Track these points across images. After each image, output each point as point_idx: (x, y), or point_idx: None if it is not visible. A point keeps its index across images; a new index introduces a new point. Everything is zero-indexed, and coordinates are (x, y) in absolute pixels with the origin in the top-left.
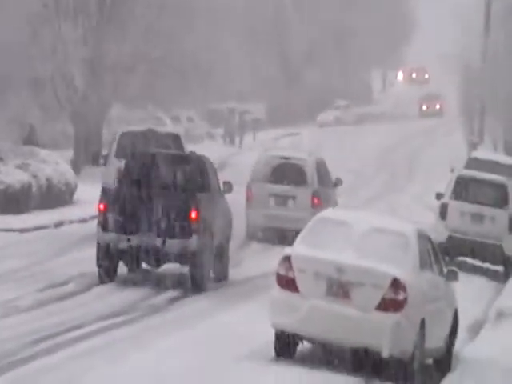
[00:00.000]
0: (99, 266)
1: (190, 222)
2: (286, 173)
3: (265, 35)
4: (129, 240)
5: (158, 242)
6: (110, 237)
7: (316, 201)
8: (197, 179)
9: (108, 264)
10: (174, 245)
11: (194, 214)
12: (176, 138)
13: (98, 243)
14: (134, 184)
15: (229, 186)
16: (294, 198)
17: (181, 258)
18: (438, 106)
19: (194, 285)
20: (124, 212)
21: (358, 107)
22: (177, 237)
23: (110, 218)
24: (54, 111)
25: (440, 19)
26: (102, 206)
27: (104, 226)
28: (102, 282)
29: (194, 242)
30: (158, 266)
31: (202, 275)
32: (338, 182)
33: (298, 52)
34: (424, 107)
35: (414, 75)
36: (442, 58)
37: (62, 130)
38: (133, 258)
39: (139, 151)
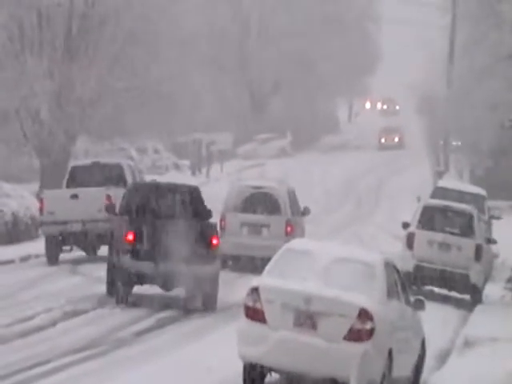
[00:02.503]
0: (121, 290)
1: (212, 249)
2: (259, 202)
3: (230, 65)
4: (156, 267)
5: (183, 267)
6: (139, 264)
7: (290, 229)
8: (198, 207)
9: (127, 288)
10: (197, 270)
11: (215, 241)
12: (120, 169)
13: (120, 269)
14: (150, 213)
15: (211, 213)
16: (267, 226)
17: (201, 282)
18: (396, 139)
19: (208, 306)
20: (150, 241)
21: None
22: (200, 263)
23: (138, 247)
24: (19, 145)
25: (404, 48)
26: (130, 237)
27: (133, 255)
28: (117, 302)
29: (215, 267)
30: (171, 289)
31: (216, 298)
32: (306, 211)
33: (264, 82)
34: (382, 140)
35: (384, 107)
36: (408, 88)
37: (27, 163)
38: (158, 282)
39: (143, 182)
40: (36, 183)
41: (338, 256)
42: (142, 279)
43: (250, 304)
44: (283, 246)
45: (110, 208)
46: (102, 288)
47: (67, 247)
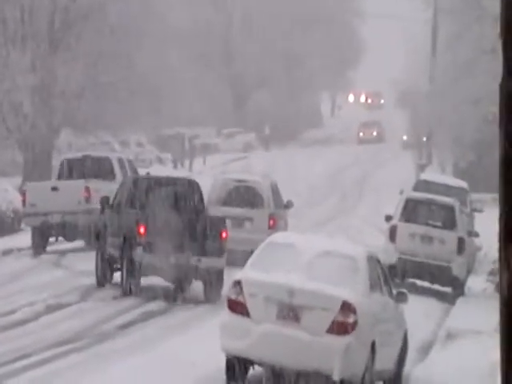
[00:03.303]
0: (130, 282)
1: (222, 242)
2: (242, 195)
3: (214, 59)
4: (167, 259)
5: (194, 260)
6: (151, 257)
7: (272, 222)
8: (201, 201)
9: (137, 280)
10: (208, 263)
11: (224, 234)
12: (109, 162)
13: (134, 262)
14: (159, 206)
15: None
16: (250, 219)
17: (210, 274)
18: (374, 133)
19: (212, 299)
20: (161, 234)
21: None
22: (210, 255)
23: (150, 240)
24: (2, 138)
25: (388, 43)
26: (142, 230)
27: (145, 248)
28: (125, 294)
29: (224, 260)
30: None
31: (221, 290)
32: (289, 204)
33: (248, 76)
34: (361, 134)
35: (369, 100)
36: (391, 82)
37: (10, 157)
38: (168, 275)
39: (144, 176)
40: (19, 177)
41: (321, 249)
42: (153, 271)
43: (233, 297)
44: (266, 240)
45: (103, 200)
46: (86, 281)
47: (53, 238)
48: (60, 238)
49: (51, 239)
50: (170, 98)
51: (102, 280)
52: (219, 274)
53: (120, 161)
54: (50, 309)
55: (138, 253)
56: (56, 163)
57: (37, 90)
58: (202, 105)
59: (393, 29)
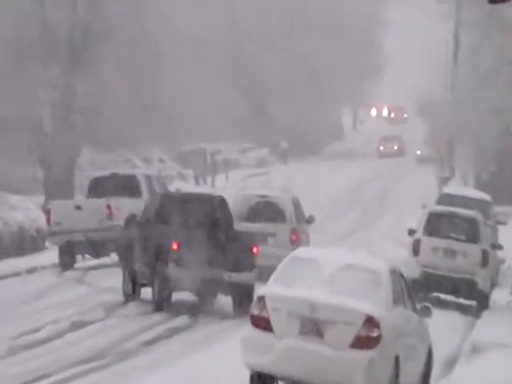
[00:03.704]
0: (162, 297)
1: (253, 257)
2: (264, 211)
3: (233, 73)
4: (200, 274)
5: (226, 275)
6: (183, 272)
7: (294, 237)
8: (229, 217)
9: (169, 296)
10: (239, 278)
11: (255, 250)
12: (135, 180)
13: (166, 277)
14: (190, 222)
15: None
16: (273, 235)
17: (240, 289)
18: (395, 147)
19: (242, 312)
20: (193, 250)
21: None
22: (242, 271)
23: (182, 256)
24: (23, 156)
25: (409, 54)
26: (175, 246)
27: (178, 263)
28: (159, 309)
29: (254, 275)
30: (210, 298)
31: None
32: (311, 219)
33: (268, 90)
34: (381, 148)
35: (392, 115)
36: (412, 94)
37: (31, 174)
38: (203, 290)
39: (174, 192)
40: (40, 195)
41: (344, 263)
42: (184, 287)
43: (257, 312)
44: (289, 254)
45: (130, 217)
46: (110, 298)
47: (79, 255)
48: (86, 255)
49: (78, 256)
50: (189, 113)
51: (130, 296)
52: (249, 289)
53: (147, 178)
54: (74, 326)
55: (171, 268)
56: (77, 181)
57: (57, 106)
58: (222, 120)
59: (414, 40)
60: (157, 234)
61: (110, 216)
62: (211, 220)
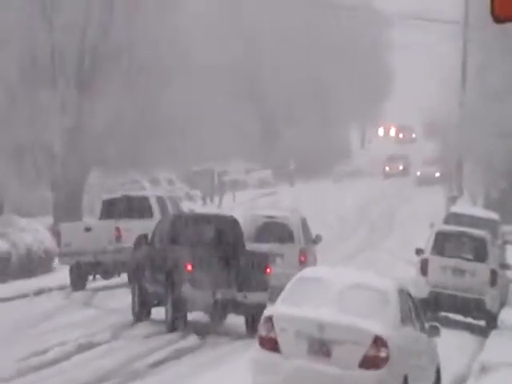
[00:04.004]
0: (176, 318)
1: (266, 277)
2: (272, 231)
3: (242, 93)
4: (214, 295)
5: (240, 295)
6: (198, 293)
7: (303, 258)
8: (241, 237)
9: (183, 316)
10: (254, 298)
11: (269, 270)
12: (147, 201)
13: (180, 298)
14: (204, 244)
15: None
16: (281, 255)
17: (254, 309)
18: (400, 167)
19: (254, 332)
20: (208, 270)
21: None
22: (256, 290)
23: (197, 276)
24: (32, 178)
25: (417, 74)
26: (189, 267)
27: (192, 284)
28: (173, 330)
29: (267, 294)
30: (224, 318)
31: None
32: (317, 239)
33: (276, 110)
34: (387, 168)
35: (400, 135)
36: (420, 114)
37: (40, 196)
38: (217, 311)
39: (187, 213)
40: (49, 216)
41: (351, 282)
42: (198, 307)
43: (264, 333)
44: (297, 274)
45: (140, 238)
46: (117, 319)
47: (91, 276)
48: (97, 276)
49: (89, 277)
50: (198, 134)
51: (140, 316)
52: (263, 309)
53: (159, 199)
54: (82, 348)
55: (186, 289)
56: (86, 203)
57: (67, 130)
58: (230, 140)
59: (421, 60)
60: (170, 255)
61: (118, 238)
62: (224, 240)
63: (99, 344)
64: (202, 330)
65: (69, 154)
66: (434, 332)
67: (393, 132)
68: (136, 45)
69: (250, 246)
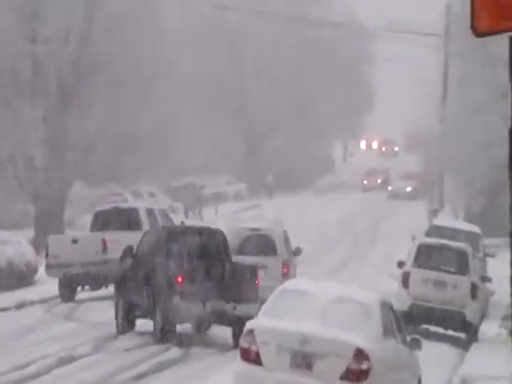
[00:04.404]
0: (166, 330)
1: (256, 289)
2: (256, 243)
3: (226, 107)
4: (204, 307)
5: (229, 307)
6: (188, 305)
7: (286, 270)
8: (227, 249)
9: (173, 328)
10: (243, 309)
11: (257, 282)
12: (136, 213)
13: (170, 310)
14: (192, 256)
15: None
16: (265, 267)
17: (242, 321)
18: (379, 181)
19: None
20: (197, 283)
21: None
22: (246, 302)
23: (187, 289)
24: (14, 191)
25: (399, 87)
26: (179, 279)
27: (183, 297)
28: (162, 342)
29: (257, 306)
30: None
31: None
32: (297, 251)
33: (260, 123)
34: (365, 182)
35: (383, 148)
36: (403, 128)
37: (22, 209)
38: (206, 322)
39: (175, 226)
40: (30, 229)
41: (334, 296)
42: (187, 319)
43: (246, 346)
44: (279, 287)
45: (127, 249)
46: (99, 332)
47: (79, 287)
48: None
49: (78, 288)
50: (181, 147)
51: (124, 328)
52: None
53: (149, 211)
54: (63, 361)
55: (176, 301)
56: (68, 215)
57: (48, 142)
58: (213, 152)
59: (404, 73)
60: (159, 267)
61: (104, 249)
62: (212, 253)
63: (81, 357)
64: (185, 342)
65: (50, 167)
66: (415, 345)
67: (375, 145)
68: (117, 57)
69: (234, 258)
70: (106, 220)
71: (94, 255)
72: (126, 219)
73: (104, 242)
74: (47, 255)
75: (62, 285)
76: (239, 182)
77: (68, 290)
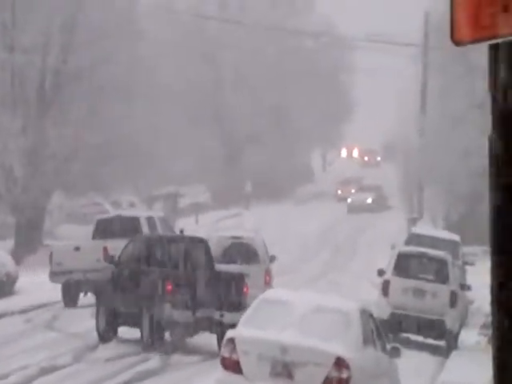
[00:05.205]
0: (154, 338)
1: (243, 297)
2: (238, 252)
3: (205, 117)
4: (194, 314)
5: (217, 315)
6: (178, 313)
7: (268, 278)
8: (211, 257)
9: (162, 336)
10: (231, 317)
11: (245, 289)
12: (137, 221)
13: (159, 318)
14: (179, 264)
15: None
16: (247, 276)
17: (229, 328)
18: (352, 191)
19: None
20: (187, 291)
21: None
22: (233, 310)
23: (177, 297)
24: None
25: (379, 97)
26: (169, 287)
27: (173, 304)
28: (149, 350)
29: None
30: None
31: None
32: (272, 259)
33: (239, 133)
34: (339, 192)
35: (365, 158)
36: (384, 138)
37: (2, 220)
38: (194, 329)
39: (160, 234)
40: (10, 239)
41: (314, 305)
42: (176, 327)
43: (227, 355)
44: (259, 296)
45: (107, 258)
46: (81, 342)
47: (82, 292)
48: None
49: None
50: (161, 156)
51: (106, 337)
52: None
53: (149, 220)
54: (44, 371)
55: (166, 309)
56: (47, 225)
57: (27, 152)
58: (193, 162)
59: (383, 83)
60: (145, 275)
61: (106, 257)
62: (198, 261)
63: (62, 367)
64: (167, 350)
65: (29, 177)
66: (395, 353)
67: (356, 153)
68: (98, 67)
69: (217, 267)
70: (108, 228)
71: (95, 262)
72: (127, 227)
73: (105, 249)
74: (51, 263)
75: (64, 291)
76: (206, 191)
77: (70, 296)
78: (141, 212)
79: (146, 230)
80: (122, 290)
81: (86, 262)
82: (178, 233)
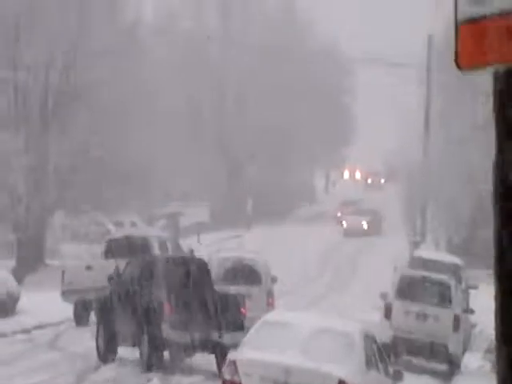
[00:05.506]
0: (154, 358)
1: (242, 317)
2: (240, 273)
3: (207, 135)
4: (192, 335)
5: (216, 335)
6: (177, 333)
7: (271, 300)
8: (211, 279)
9: (161, 356)
10: (230, 338)
11: (243, 310)
12: (147, 241)
13: (159, 338)
14: (180, 285)
15: None
16: (249, 297)
17: (227, 349)
18: (347, 216)
19: None
20: (185, 311)
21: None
22: (232, 331)
23: (175, 317)
24: None
25: (382, 118)
26: (168, 308)
27: (172, 325)
28: (148, 370)
29: (243, 335)
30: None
31: None
32: (273, 280)
33: (241, 152)
34: (338, 214)
35: (369, 180)
36: (388, 159)
37: (2, 238)
38: (192, 350)
39: (160, 255)
40: (11, 259)
41: (316, 327)
42: (176, 347)
43: (228, 377)
44: (261, 318)
45: (110, 278)
46: (80, 363)
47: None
48: None
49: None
50: (163, 175)
51: (106, 357)
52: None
53: (159, 239)
54: None
55: (165, 329)
56: (50, 244)
57: (30, 170)
58: (193, 182)
59: (386, 104)
60: (145, 295)
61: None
62: (197, 281)
63: None
64: (167, 371)
65: (32, 195)
66: (397, 376)
67: (358, 175)
68: (100, 86)
69: (219, 288)
70: (118, 247)
71: (107, 281)
72: (138, 247)
73: (117, 268)
74: (62, 282)
75: (76, 309)
76: (207, 210)
77: (82, 315)
78: (151, 231)
79: (156, 249)
80: (121, 310)
81: (98, 280)
82: (187, 252)
